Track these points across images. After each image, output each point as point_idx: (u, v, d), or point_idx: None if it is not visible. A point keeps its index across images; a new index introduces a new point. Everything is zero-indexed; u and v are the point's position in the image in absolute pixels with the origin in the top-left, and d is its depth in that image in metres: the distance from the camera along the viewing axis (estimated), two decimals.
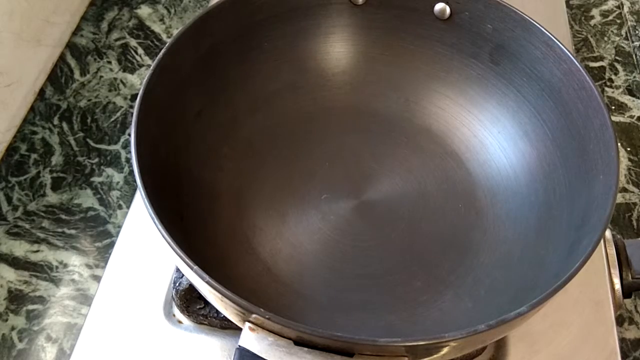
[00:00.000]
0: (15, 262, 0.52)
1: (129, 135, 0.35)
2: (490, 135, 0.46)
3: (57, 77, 0.63)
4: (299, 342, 0.30)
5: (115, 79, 0.64)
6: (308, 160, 0.47)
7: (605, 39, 0.70)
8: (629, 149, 0.61)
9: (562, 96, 0.41)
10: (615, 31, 0.71)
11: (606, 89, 0.66)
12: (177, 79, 0.40)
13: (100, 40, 0.67)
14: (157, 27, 0.68)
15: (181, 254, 0.30)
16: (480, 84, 0.46)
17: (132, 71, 0.64)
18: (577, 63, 0.39)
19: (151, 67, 0.38)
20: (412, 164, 0.47)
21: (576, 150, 0.40)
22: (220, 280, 0.30)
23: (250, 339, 0.30)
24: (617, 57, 0.69)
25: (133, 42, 0.67)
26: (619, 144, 0.37)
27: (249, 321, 0.31)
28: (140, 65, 0.65)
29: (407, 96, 0.48)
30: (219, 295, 0.30)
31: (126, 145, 0.59)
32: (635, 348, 0.50)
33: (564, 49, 0.40)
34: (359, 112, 0.49)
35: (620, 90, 0.66)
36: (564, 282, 0.31)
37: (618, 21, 0.72)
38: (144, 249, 0.46)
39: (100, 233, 0.54)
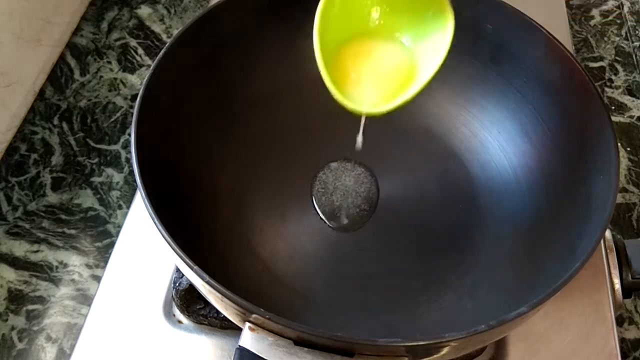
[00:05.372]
0: (15, 262, 0.52)
1: (129, 135, 0.35)
2: (490, 136, 0.46)
3: (57, 77, 0.63)
4: (299, 342, 0.30)
5: (115, 79, 0.64)
6: (308, 160, 0.47)
7: (605, 39, 0.70)
8: (629, 149, 0.61)
9: (562, 96, 0.41)
10: (615, 31, 0.71)
11: (606, 89, 0.66)
12: (177, 79, 0.40)
13: (100, 40, 0.67)
14: (157, 27, 0.68)
15: (181, 254, 0.30)
16: (480, 84, 0.46)
17: (132, 71, 0.64)
18: (577, 63, 0.39)
19: (151, 67, 0.38)
20: (412, 164, 0.47)
21: (576, 151, 0.40)
22: (220, 280, 0.30)
23: (250, 339, 0.30)
24: (617, 57, 0.69)
25: (133, 42, 0.67)
26: (619, 144, 0.37)
27: (249, 321, 0.31)
28: (140, 65, 0.65)
29: None
30: (219, 295, 0.30)
31: (126, 145, 0.59)
32: (635, 348, 0.50)
33: (564, 49, 0.40)
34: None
35: (620, 90, 0.66)
36: (564, 282, 0.31)
37: (618, 21, 0.72)
38: (144, 249, 0.46)
39: (100, 233, 0.54)
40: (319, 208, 0.44)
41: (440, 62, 0.34)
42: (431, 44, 0.35)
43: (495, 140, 0.45)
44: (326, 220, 0.44)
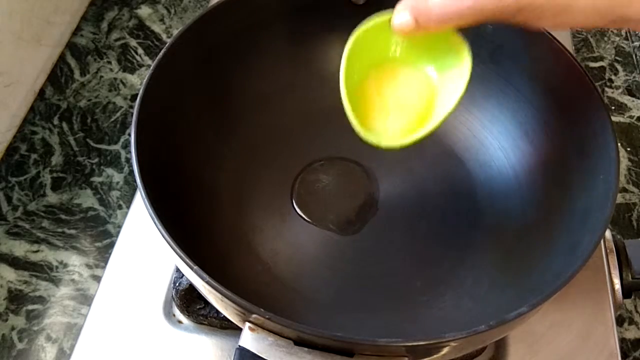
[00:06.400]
0: (15, 262, 0.52)
1: (129, 135, 0.35)
2: (490, 135, 0.46)
3: (57, 77, 0.63)
4: (299, 342, 0.30)
5: (115, 79, 0.64)
6: (308, 160, 0.47)
7: (605, 39, 0.70)
8: (629, 149, 0.61)
9: (562, 96, 0.41)
10: (615, 31, 0.71)
11: (606, 89, 0.66)
12: (177, 79, 0.40)
13: (100, 40, 0.67)
14: (157, 27, 0.68)
15: (181, 254, 0.30)
16: (480, 83, 0.45)
17: (132, 71, 0.64)
18: (577, 63, 0.39)
19: (151, 67, 0.38)
20: (412, 164, 0.47)
21: (576, 151, 0.39)
22: (220, 280, 0.30)
23: (250, 339, 0.30)
24: (617, 57, 0.69)
25: (133, 42, 0.67)
26: (619, 144, 0.37)
27: (249, 321, 0.31)
28: (140, 65, 0.65)
29: None
30: (219, 295, 0.30)
31: (126, 145, 0.59)
32: (635, 348, 0.50)
33: (564, 49, 0.40)
34: None
35: (620, 90, 0.66)
36: (564, 282, 0.31)
37: None
38: (144, 249, 0.46)
39: (100, 233, 0.54)
40: (319, 208, 0.44)
41: (458, 99, 0.35)
42: (450, 79, 0.36)
43: (495, 140, 0.45)
44: (325, 222, 0.44)
